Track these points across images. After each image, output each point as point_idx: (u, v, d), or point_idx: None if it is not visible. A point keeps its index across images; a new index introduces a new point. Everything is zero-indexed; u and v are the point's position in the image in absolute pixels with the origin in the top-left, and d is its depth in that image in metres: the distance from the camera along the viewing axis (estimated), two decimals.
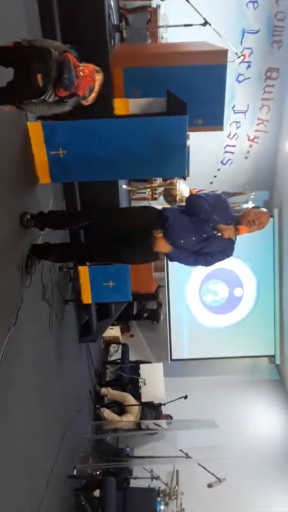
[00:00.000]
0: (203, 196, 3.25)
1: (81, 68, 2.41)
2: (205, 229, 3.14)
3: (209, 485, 5.04)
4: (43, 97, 2.29)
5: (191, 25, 5.23)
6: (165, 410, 6.49)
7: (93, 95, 2.54)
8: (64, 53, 2.34)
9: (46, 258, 3.37)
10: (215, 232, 3.12)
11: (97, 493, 4.78)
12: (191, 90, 4.11)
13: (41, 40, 2.37)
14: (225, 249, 3.30)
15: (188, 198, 3.32)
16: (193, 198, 3.28)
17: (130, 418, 6.26)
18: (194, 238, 3.19)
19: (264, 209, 3.22)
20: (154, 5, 6.11)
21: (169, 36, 6.29)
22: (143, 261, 3.66)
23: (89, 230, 3.57)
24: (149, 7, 6.12)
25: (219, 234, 3.09)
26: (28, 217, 3.10)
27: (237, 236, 3.23)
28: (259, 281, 7.87)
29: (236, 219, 3.20)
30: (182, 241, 3.18)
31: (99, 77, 2.53)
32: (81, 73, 2.40)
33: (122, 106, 3.73)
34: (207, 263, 3.34)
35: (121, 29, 5.73)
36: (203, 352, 7.97)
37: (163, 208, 3.27)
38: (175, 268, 7.44)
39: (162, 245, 3.14)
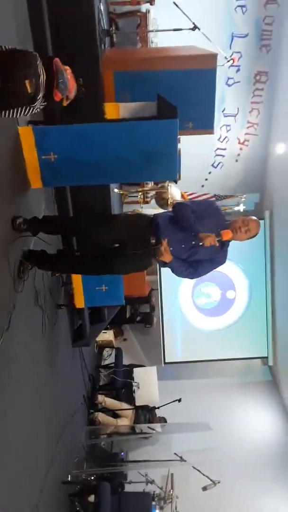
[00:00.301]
0: (188, 203, 3.24)
1: (67, 71, 2.42)
2: (193, 237, 3.14)
3: (204, 488, 5.05)
4: (35, 104, 2.25)
5: (180, 29, 5.27)
6: (159, 413, 6.48)
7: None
8: (51, 58, 2.35)
9: (39, 266, 3.35)
10: (199, 242, 3.09)
11: (91, 498, 4.76)
12: (181, 94, 4.13)
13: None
14: (215, 257, 3.28)
15: (174, 206, 3.29)
16: (178, 205, 3.26)
17: (125, 422, 6.26)
18: (183, 246, 3.18)
19: (253, 217, 3.19)
20: (143, 10, 6.14)
21: (159, 40, 6.32)
22: (135, 270, 3.62)
23: (81, 239, 3.57)
24: (138, 11, 6.14)
25: (201, 243, 3.06)
26: (21, 220, 3.08)
27: (230, 242, 3.24)
28: (251, 283, 7.92)
29: (226, 226, 3.19)
30: (171, 248, 3.14)
31: None
32: (68, 76, 2.42)
33: (113, 110, 3.74)
34: (198, 275, 3.34)
35: (111, 34, 5.75)
36: (196, 354, 7.98)
37: (154, 215, 3.26)
38: (167, 271, 7.43)
39: (167, 255, 3.12)
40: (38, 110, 2.40)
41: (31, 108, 2.27)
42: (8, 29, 3.18)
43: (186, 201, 3.36)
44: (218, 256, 3.28)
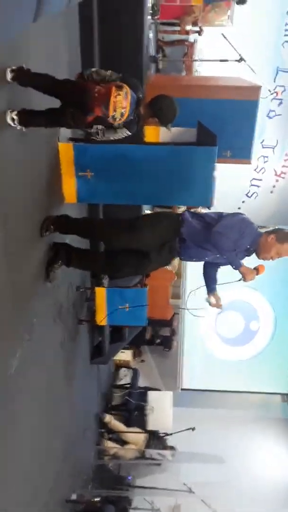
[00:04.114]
0: (224, 233, 3.07)
1: (96, 90, 2.49)
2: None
3: None
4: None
5: (226, 60, 5.34)
6: (170, 440, 6.35)
7: (119, 111, 2.51)
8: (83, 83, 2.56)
9: (67, 262, 3.31)
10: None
11: None
12: (222, 122, 4.15)
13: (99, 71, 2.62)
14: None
15: (211, 235, 3.11)
16: (217, 237, 3.07)
17: (133, 447, 6.14)
18: (207, 258, 3.28)
19: None
20: (191, 40, 6.27)
21: (204, 70, 6.42)
22: (157, 268, 3.62)
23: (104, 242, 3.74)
24: (186, 41, 6.29)
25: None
26: (50, 221, 3.11)
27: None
28: (277, 315, 7.75)
29: (255, 245, 3.15)
30: (194, 259, 3.31)
31: (121, 92, 2.50)
32: (96, 94, 2.48)
33: (153, 133, 3.79)
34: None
35: (157, 60, 5.88)
36: (214, 384, 7.84)
37: (182, 227, 3.17)
38: (192, 297, 7.38)
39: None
40: (121, 136, 2.70)
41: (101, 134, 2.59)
42: (58, 49, 3.31)
43: (221, 231, 3.14)
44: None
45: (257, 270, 3.06)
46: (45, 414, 3.43)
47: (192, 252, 3.23)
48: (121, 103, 2.47)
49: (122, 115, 2.51)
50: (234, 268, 3.12)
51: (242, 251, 3.17)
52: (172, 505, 5.66)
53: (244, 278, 3.05)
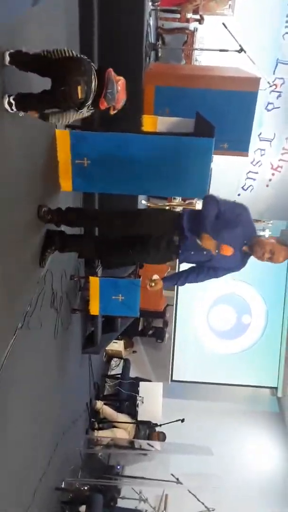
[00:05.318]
0: (217, 200, 3.09)
1: (119, 82, 2.45)
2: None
3: None
4: (82, 109, 2.34)
5: (226, 50, 5.28)
6: (159, 428, 6.38)
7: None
8: (105, 68, 2.38)
9: (62, 247, 3.29)
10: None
11: (82, 508, 4.69)
12: (220, 113, 4.13)
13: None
14: (234, 268, 3.25)
15: (205, 197, 3.17)
16: (207, 198, 3.13)
17: (123, 433, 6.17)
18: (205, 253, 3.15)
19: (285, 247, 3.05)
20: (192, 28, 6.20)
21: (203, 59, 6.36)
22: (155, 263, 3.57)
23: (104, 230, 3.64)
24: (187, 29, 6.21)
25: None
26: (46, 209, 3.07)
27: (251, 262, 3.18)
28: (269, 310, 7.78)
29: (251, 241, 3.11)
30: (192, 252, 3.18)
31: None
32: (119, 87, 2.44)
33: (150, 122, 3.75)
34: (216, 276, 3.32)
35: (157, 48, 5.81)
36: (204, 376, 7.87)
37: (184, 222, 3.14)
38: (185, 288, 7.39)
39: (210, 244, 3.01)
40: (86, 115, 2.49)
41: (78, 113, 2.34)
42: (57, 34, 3.24)
43: (218, 198, 3.15)
44: (235, 266, 3.24)
45: (219, 246, 2.95)
46: (36, 404, 3.42)
47: (190, 246, 3.15)
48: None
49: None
50: (202, 229, 3.02)
51: (238, 244, 3.11)
52: (160, 495, 5.69)
53: (201, 242, 2.99)
